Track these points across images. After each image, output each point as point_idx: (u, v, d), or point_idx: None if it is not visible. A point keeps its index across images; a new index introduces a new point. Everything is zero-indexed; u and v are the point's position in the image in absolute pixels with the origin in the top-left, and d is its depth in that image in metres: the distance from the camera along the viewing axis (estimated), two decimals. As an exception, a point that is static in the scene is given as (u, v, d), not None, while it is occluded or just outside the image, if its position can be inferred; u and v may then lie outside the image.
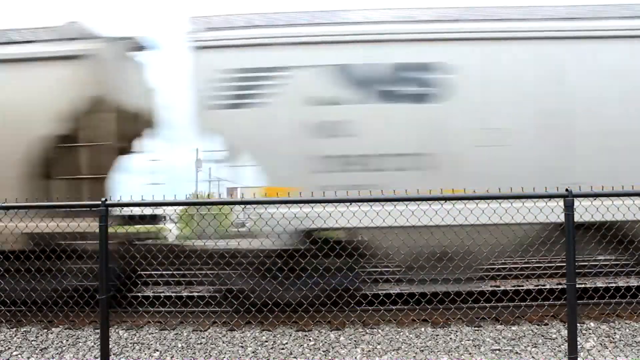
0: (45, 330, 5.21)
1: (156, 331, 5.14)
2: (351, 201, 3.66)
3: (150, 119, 6.61)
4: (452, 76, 5.32)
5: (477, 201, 4.50)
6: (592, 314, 5.29)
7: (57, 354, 4.62)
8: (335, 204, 4.40)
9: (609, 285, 5.78)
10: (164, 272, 7.63)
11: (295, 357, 4.40)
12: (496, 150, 5.26)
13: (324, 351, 4.51)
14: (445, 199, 3.97)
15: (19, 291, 5.30)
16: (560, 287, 6.52)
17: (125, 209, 5.98)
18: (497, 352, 4.39)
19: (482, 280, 6.66)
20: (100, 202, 3.42)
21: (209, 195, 23.13)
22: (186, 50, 5.50)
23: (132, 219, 6.19)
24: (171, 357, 4.48)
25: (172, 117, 6.78)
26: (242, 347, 4.67)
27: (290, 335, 4.94)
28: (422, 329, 4.99)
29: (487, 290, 6.16)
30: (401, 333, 4.89)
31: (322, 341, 4.74)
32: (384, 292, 5.94)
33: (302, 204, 4.05)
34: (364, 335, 4.87)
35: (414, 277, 5.35)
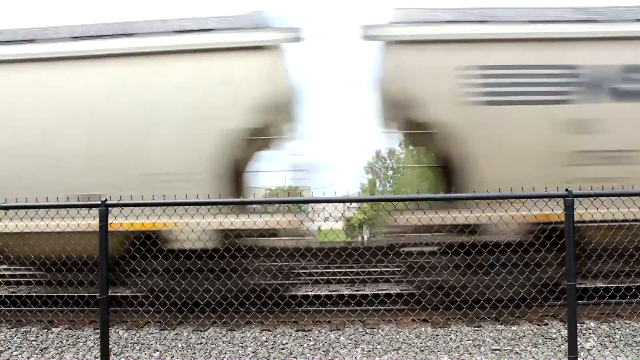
0: (45, 330, 5.21)
1: (156, 331, 5.14)
2: (350, 201, 3.65)
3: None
4: None
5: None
6: (592, 314, 5.29)
7: (57, 354, 4.62)
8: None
9: (609, 286, 5.78)
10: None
11: (295, 357, 4.40)
12: None
13: (324, 351, 4.51)
14: (444, 198, 3.97)
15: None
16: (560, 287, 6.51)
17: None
18: (497, 352, 4.39)
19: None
20: (100, 202, 3.42)
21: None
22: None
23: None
24: (171, 357, 4.48)
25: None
26: (242, 347, 4.67)
27: (290, 335, 4.94)
28: (422, 329, 4.99)
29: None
30: (401, 333, 4.89)
31: (322, 341, 4.74)
32: (384, 292, 5.95)
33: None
34: (364, 335, 4.87)
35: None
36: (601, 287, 5.85)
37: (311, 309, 5.63)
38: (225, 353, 4.54)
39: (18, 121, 5.71)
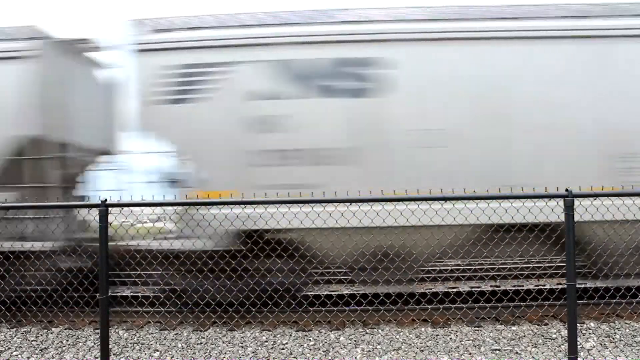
0: (45, 330, 5.21)
1: (156, 331, 5.14)
2: (348, 201, 3.65)
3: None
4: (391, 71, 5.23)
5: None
6: (592, 314, 5.29)
7: (57, 354, 4.62)
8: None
9: (609, 286, 5.77)
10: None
11: (295, 357, 4.40)
12: (433, 151, 5.24)
13: (324, 351, 4.51)
14: (444, 198, 3.95)
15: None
16: (560, 287, 6.52)
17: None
18: (497, 352, 4.39)
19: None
20: (100, 202, 3.42)
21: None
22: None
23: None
24: (171, 357, 4.48)
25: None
26: (242, 347, 4.67)
27: (290, 335, 4.94)
28: (422, 329, 4.99)
29: (487, 290, 6.16)
30: (401, 333, 4.89)
31: (322, 341, 4.75)
32: (385, 292, 5.95)
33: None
34: (364, 335, 4.87)
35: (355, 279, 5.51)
36: (601, 287, 5.86)
37: (311, 309, 5.63)
38: (225, 353, 4.54)
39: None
